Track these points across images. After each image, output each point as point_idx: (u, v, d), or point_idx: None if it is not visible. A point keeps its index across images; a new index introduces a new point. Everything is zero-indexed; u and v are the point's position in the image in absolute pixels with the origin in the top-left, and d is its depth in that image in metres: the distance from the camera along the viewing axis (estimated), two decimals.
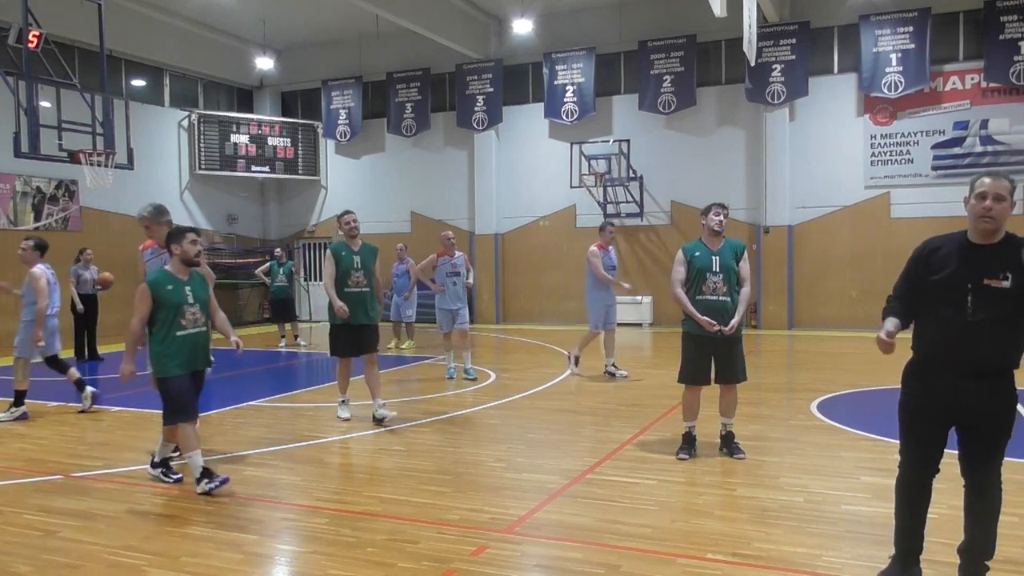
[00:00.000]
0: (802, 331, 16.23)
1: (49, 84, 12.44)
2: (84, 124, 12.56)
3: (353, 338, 7.88)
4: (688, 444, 6.35)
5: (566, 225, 18.73)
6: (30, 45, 12.07)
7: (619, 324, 18.12)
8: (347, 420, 7.97)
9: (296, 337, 15.50)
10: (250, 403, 9.13)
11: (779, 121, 16.68)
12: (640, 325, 17.64)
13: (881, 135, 16.14)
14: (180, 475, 5.93)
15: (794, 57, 16.36)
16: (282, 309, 15.58)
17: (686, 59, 17.22)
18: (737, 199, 16.79)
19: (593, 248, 10.51)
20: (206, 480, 5.55)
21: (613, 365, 10.64)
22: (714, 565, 4.20)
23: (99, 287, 13.12)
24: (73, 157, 12.56)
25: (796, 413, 8.03)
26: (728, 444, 6.34)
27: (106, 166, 12.81)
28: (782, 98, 16.50)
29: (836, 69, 16.65)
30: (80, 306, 12.89)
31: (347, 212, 7.93)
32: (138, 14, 17.44)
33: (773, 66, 16.46)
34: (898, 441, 3.85)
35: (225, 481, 5.58)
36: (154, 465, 6.04)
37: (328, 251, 7.99)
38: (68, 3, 13.51)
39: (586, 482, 5.74)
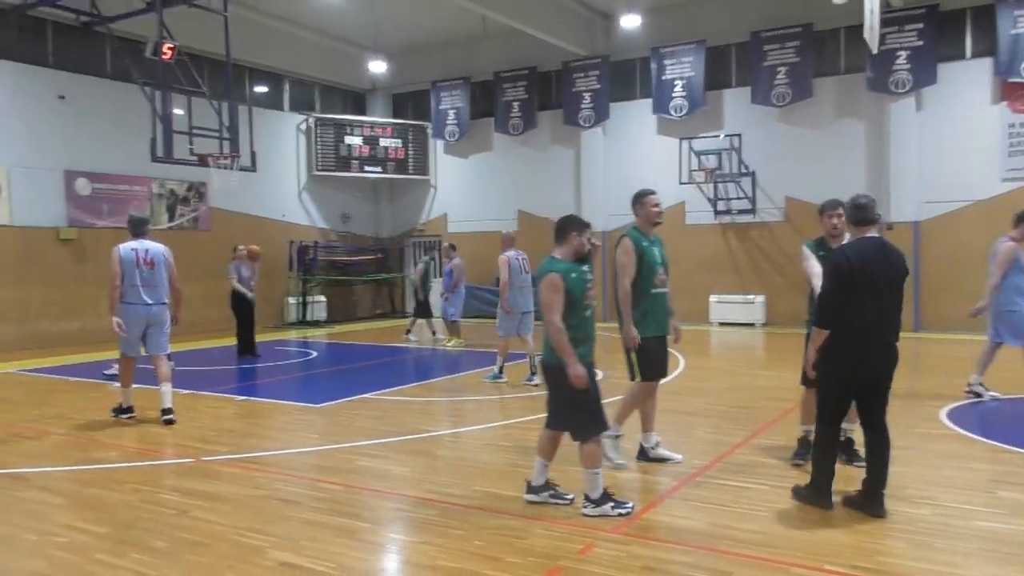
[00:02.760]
0: (929, 334, 15.37)
1: (181, 93, 13.22)
2: (212, 129, 13.29)
3: (663, 354, 6.21)
4: (804, 449, 6.08)
5: (675, 222, 18.37)
6: (165, 57, 12.87)
7: (730, 324, 17.91)
8: (622, 467, 6.02)
9: (408, 332, 15.75)
10: (363, 396, 9.40)
11: (904, 111, 15.83)
12: (752, 325, 17.16)
13: (1020, 123, 15.07)
14: (571, 495, 5.19)
15: (921, 43, 15.50)
16: (427, 307, 15.86)
17: (802, 49, 16.61)
18: (856, 193, 16.05)
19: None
20: (612, 504, 4.95)
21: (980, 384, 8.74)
22: None
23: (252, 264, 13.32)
24: (202, 161, 13.32)
25: (922, 421, 7.61)
26: (847, 451, 6.03)
27: (231, 168, 13.51)
28: (908, 87, 15.67)
29: (969, 54, 15.66)
30: (251, 294, 13.03)
31: (649, 192, 6.26)
32: (261, 24, 18.27)
33: (898, 53, 15.65)
34: None
35: (631, 512, 4.95)
36: (595, 502, 4.99)
37: (626, 241, 6.10)
38: (198, 16, 14.30)
39: (696, 484, 5.64)
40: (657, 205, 6.20)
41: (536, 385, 9.93)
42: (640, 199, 6.25)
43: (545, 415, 5.28)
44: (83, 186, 15.62)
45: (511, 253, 10.52)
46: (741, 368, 11.63)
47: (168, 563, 4.31)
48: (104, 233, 15.68)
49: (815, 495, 5.09)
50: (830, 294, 4.93)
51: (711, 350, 13.86)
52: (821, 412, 5.10)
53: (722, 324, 17.43)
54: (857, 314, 4.84)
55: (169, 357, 8.42)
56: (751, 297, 17.27)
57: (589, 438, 4.99)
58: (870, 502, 4.92)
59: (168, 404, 8.04)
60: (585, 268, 5.17)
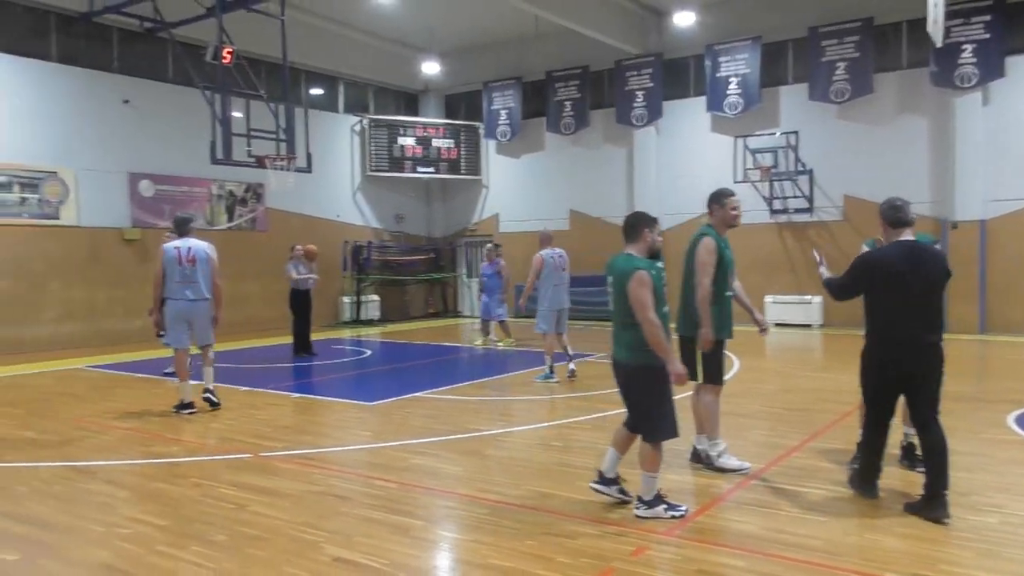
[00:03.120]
0: (995, 336, 14.87)
1: (240, 96, 13.55)
2: (269, 131, 13.58)
3: (724, 357, 6.11)
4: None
5: None
6: (224, 61, 13.20)
7: (785, 325, 17.58)
8: (744, 472, 5.87)
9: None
10: (415, 394, 9.48)
11: (971, 106, 15.34)
12: (809, 326, 16.83)
13: None
14: (685, 507, 4.99)
15: (988, 35, 14.99)
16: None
17: (862, 44, 16.22)
18: (919, 192, 15.58)
19: None
20: (665, 507, 4.91)
21: None
22: None
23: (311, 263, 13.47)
24: (259, 162, 13.62)
25: (989, 426, 7.37)
26: (910, 456, 5.86)
27: (288, 170, 13.78)
28: (974, 81, 15.18)
29: None
30: (312, 280, 13.23)
31: (731, 193, 6.03)
32: (316, 27, 18.57)
33: (963, 46, 15.17)
34: None
35: (684, 515, 4.89)
36: (649, 504, 4.92)
37: (709, 240, 5.79)
38: (256, 20, 14.63)
39: (751, 488, 5.55)
40: (736, 208, 6.03)
41: (573, 378, 10.14)
42: (721, 199, 6.00)
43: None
44: (146, 187, 16.08)
45: (547, 251, 10.58)
46: (797, 370, 11.41)
47: (227, 556, 4.41)
48: (166, 234, 16.10)
49: (859, 483, 5.33)
50: (843, 279, 5.29)
51: (766, 351, 13.61)
52: (865, 410, 5.31)
53: (778, 325, 17.12)
54: (885, 314, 5.03)
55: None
56: (808, 298, 16.94)
57: (659, 441, 4.93)
58: (930, 506, 4.85)
59: (210, 386, 8.64)
60: (660, 265, 5.10)
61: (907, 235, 5.06)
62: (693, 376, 5.84)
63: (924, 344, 4.95)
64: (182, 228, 8.66)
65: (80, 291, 15.05)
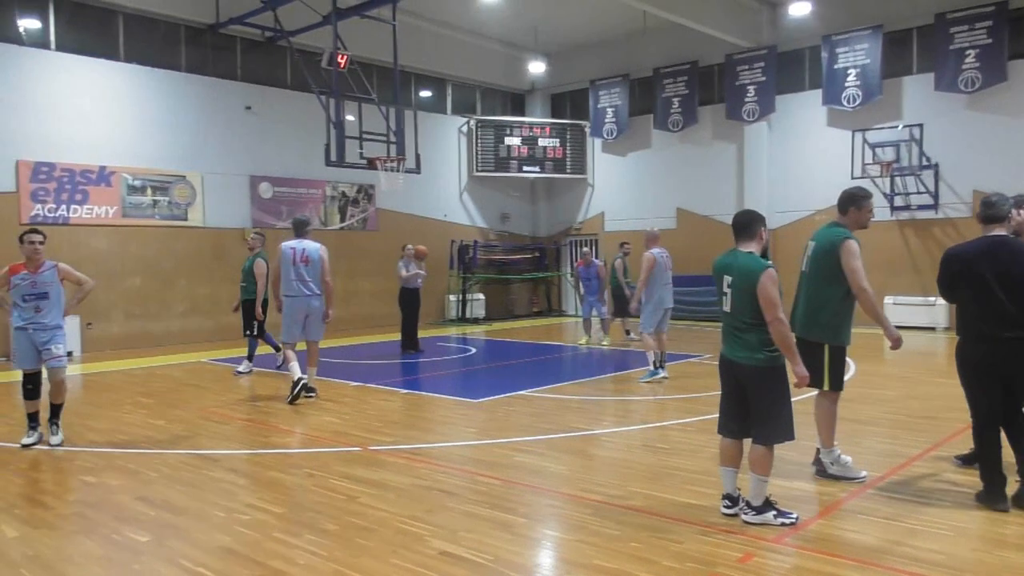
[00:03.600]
0: None
1: (353, 100, 13.98)
2: (380, 134, 13.97)
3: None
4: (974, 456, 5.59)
5: None
6: (339, 67, 13.65)
7: (907, 327, 16.67)
8: (860, 480, 5.66)
9: (628, 332, 15.00)
10: (520, 392, 9.54)
11: None
12: (933, 329, 15.94)
13: None
14: (796, 514, 4.84)
15: None
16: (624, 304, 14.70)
17: (995, 29, 15.23)
18: None
19: None
20: (775, 513, 4.79)
21: None
22: None
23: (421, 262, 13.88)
24: (371, 164, 14.02)
25: None
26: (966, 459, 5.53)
27: (398, 171, 14.13)
28: None
29: None
30: (419, 279, 13.69)
31: (869, 195, 5.85)
32: (425, 30, 18.97)
33: None
34: None
35: (795, 522, 4.76)
36: (758, 509, 4.80)
37: (853, 243, 5.61)
38: (367, 26, 15.09)
39: (867, 497, 5.30)
40: (872, 211, 5.86)
41: (663, 379, 10.12)
42: (859, 201, 5.75)
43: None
44: (265, 190, 16.85)
45: (656, 250, 10.47)
46: (920, 375, 10.81)
47: (338, 545, 4.57)
48: (283, 234, 16.78)
49: (986, 496, 5.05)
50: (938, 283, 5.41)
51: (885, 355, 12.98)
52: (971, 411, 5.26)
53: (898, 327, 16.26)
54: (966, 310, 5.17)
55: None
56: (932, 299, 16.05)
57: (774, 444, 4.78)
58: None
59: (311, 384, 9.30)
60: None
61: (999, 230, 5.09)
62: (818, 383, 5.61)
63: (1002, 340, 5.02)
64: (298, 230, 9.26)
65: (205, 287, 15.92)
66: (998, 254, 4.95)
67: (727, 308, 4.90)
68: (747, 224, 4.92)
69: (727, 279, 4.85)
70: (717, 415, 5.05)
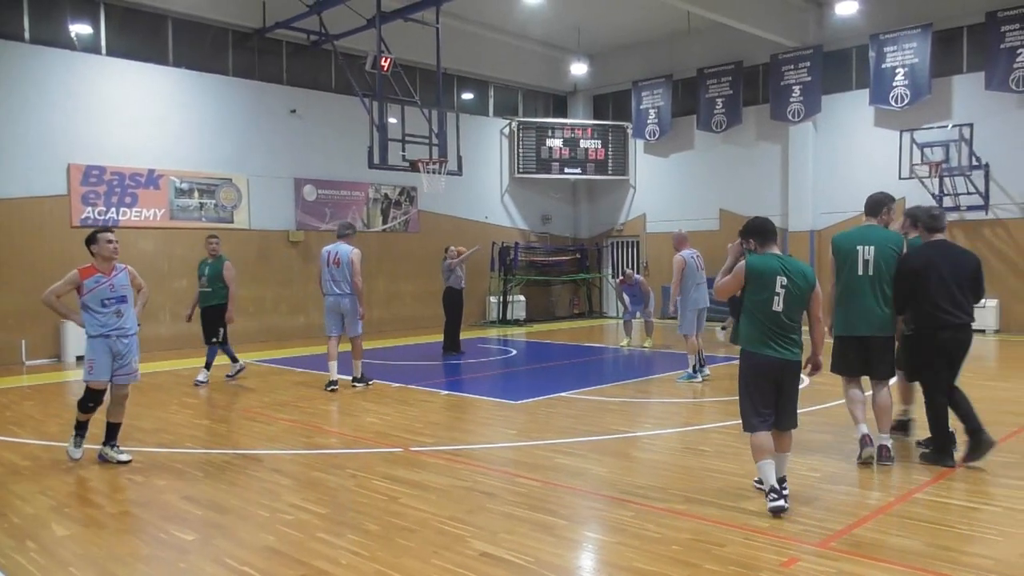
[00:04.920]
0: None
1: (396, 103, 14.11)
2: (422, 136, 14.06)
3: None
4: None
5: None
6: (382, 70, 13.79)
7: None
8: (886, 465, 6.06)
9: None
10: (560, 394, 9.53)
11: None
12: (983, 331, 15.54)
13: None
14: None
15: None
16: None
17: None
18: None
19: None
20: (773, 495, 4.98)
21: None
22: None
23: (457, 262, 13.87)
24: (413, 166, 14.12)
25: None
26: (904, 428, 5.69)
27: (440, 173, 14.21)
28: None
29: None
30: (465, 278, 13.82)
31: (894, 198, 6.45)
32: (468, 33, 19.06)
33: None
34: None
35: (782, 510, 4.94)
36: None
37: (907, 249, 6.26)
38: (411, 29, 15.22)
39: (914, 502, 5.20)
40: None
41: (705, 379, 10.21)
42: (890, 203, 6.34)
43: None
44: (309, 192, 17.08)
45: (687, 252, 10.44)
46: (969, 378, 10.49)
47: (380, 546, 4.62)
48: (327, 236, 17.05)
49: (935, 456, 6.08)
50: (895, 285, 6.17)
51: None
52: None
53: None
54: (923, 303, 6.05)
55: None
56: (982, 301, 15.62)
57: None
58: (977, 441, 5.93)
59: (357, 375, 10.16)
60: None
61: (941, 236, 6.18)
62: (892, 373, 6.27)
63: (956, 325, 6.18)
64: (339, 233, 10.15)
65: (250, 289, 16.15)
66: (947, 254, 6.07)
67: (778, 308, 5.04)
68: (772, 231, 5.28)
69: (781, 280, 5.03)
70: (746, 416, 5.11)
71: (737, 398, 5.26)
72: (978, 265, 6.17)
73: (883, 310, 6.05)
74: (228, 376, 10.97)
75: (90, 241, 6.54)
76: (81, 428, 6.63)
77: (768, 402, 5.09)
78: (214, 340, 10.63)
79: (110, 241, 6.49)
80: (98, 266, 6.46)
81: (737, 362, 5.34)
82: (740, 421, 5.23)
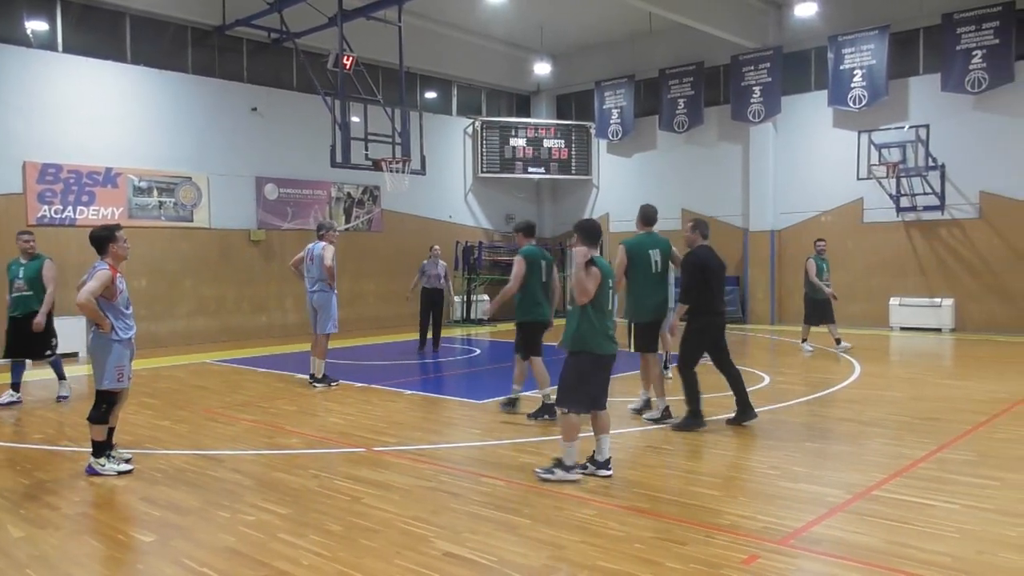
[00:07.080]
0: None
1: (358, 101, 13.99)
2: (385, 135, 13.97)
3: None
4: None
5: (851, 220, 17.40)
6: (345, 68, 13.66)
7: (913, 329, 16.64)
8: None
9: (839, 341, 13.26)
10: (524, 393, 9.49)
11: None
12: (939, 330, 15.89)
13: None
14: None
15: None
16: (822, 309, 13.34)
17: (1002, 29, 15.18)
18: None
19: None
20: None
21: None
22: None
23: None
24: (376, 165, 14.03)
25: None
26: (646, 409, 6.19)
27: (403, 172, 14.13)
28: None
29: None
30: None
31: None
32: (431, 32, 18.99)
33: None
34: None
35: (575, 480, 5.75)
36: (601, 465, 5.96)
37: None
38: (373, 28, 15.11)
39: (872, 499, 5.29)
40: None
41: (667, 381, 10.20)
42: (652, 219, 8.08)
43: (707, 418, 5.12)
44: (271, 191, 16.87)
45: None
46: (926, 376, 10.77)
47: (343, 546, 4.57)
48: (288, 235, 16.88)
49: (687, 423, 7.31)
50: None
51: (890, 357, 12.96)
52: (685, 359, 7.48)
53: (904, 329, 16.27)
54: (702, 296, 7.37)
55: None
56: (938, 300, 16.01)
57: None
58: (744, 411, 7.36)
59: (317, 374, 10.26)
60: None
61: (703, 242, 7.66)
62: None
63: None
64: (317, 232, 10.40)
65: (211, 289, 15.95)
66: (716, 257, 7.48)
67: (611, 307, 5.87)
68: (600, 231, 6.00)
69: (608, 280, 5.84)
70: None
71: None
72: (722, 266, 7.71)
73: (667, 300, 7.81)
74: (61, 397, 9.33)
75: (107, 239, 6.08)
76: (107, 445, 6.22)
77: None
78: (48, 354, 9.16)
79: (126, 240, 6.32)
80: (118, 267, 6.20)
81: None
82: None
